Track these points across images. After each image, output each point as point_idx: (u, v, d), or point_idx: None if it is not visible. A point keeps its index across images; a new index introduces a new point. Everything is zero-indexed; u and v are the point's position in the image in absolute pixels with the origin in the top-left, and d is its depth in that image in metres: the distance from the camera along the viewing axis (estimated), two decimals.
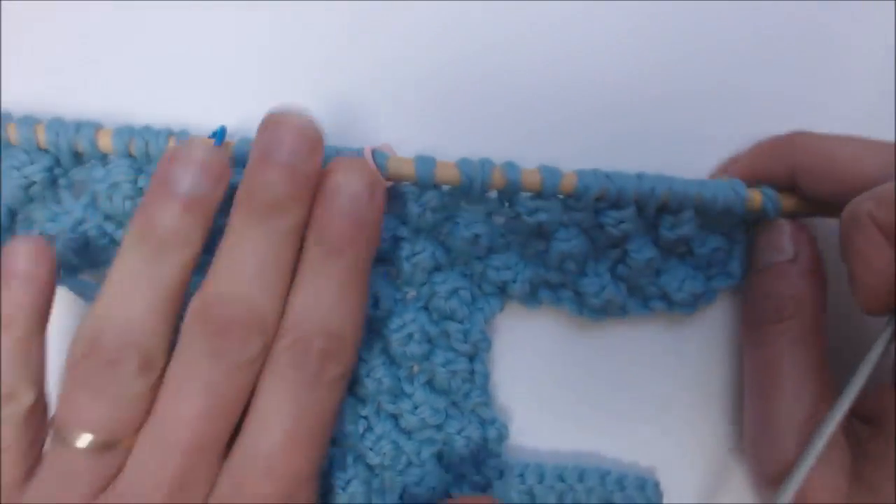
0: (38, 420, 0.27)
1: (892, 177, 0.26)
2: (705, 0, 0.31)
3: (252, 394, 0.26)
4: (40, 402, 0.27)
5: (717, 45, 0.32)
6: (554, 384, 0.33)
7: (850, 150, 0.28)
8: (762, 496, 0.31)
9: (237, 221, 0.25)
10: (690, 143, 0.32)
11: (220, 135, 0.28)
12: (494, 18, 0.31)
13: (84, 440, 0.25)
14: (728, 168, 0.31)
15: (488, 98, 0.31)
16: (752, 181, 0.30)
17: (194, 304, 0.25)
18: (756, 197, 0.29)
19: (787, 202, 0.30)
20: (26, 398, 0.26)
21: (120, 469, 0.26)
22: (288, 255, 0.26)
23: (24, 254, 0.26)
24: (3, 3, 0.30)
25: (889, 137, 0.31)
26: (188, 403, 0.25)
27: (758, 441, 0.31)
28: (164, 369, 0.26)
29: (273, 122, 0.25)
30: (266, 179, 0.25)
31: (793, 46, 0.32)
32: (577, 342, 0.33)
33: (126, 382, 0.25)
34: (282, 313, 0.26)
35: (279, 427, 0.25)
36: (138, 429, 0.26)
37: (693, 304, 0.31)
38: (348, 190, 0.25)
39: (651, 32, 0.31)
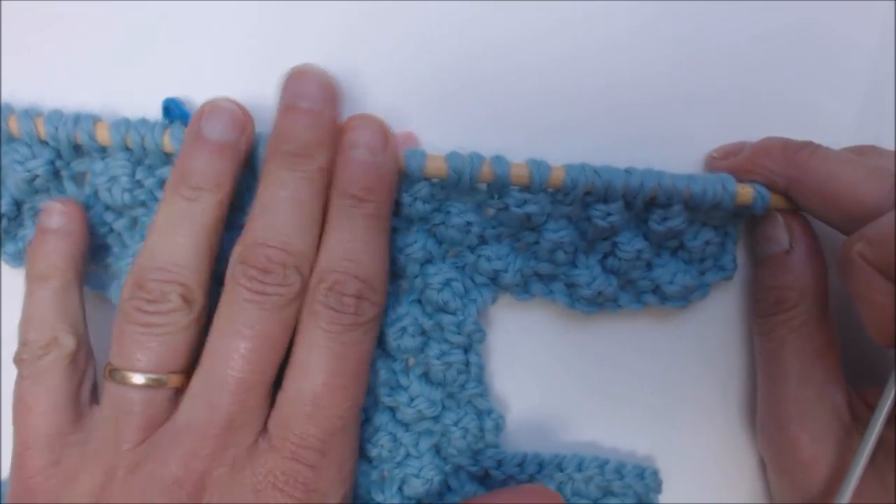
0: (82, 367, 0.29)
1: (888, 208, 0.26)
2: (706, 1, 0.31)
3: (293, 338, 0.28)
4: (82, 350, 0.29)
5: (718, 46, 0.32)
6: (551, 374, 0.33)
7: (850, 177, 0.28)
8: (774, 480, 0.32)
9: (270, 169, 0.28)
10: (691, 144, 0.32)
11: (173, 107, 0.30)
12: (498, 18, 0.31)
13: (138, 377, 0.27)
14: (731, 154, 0.31)
15: (492, 97, 0.31)
16: (749, 176, 0.30)
17: (236, 250, 0.27)
18: (747, 192, 0.29)
19: (782, 199, 0.30)
20: (67, 344, 0.28)
21: (172, 409, 0.27)
22: (317, 198, 0.28)
23: (58, 212, 0.29)
24: (2, 2, 0.31)
25: (889, 137, 0.32)
26: (235, 343, 0.27)
27: (767, 426, 0.31)
28: (204, 306, 0.28)
29: (296, 75, 0.28)
30: (293, 125, 0.27)
31: (793, 47, 0.32)
32: (574, 331, 0.33)
33: (170, 317, 0.27)
34: (315, 256, 0.28)
35: (321, 368, 0.27)
36: (186, 366, 0.28)
37: (685, 298, 0.31)
38: (364, 142, 0.27)
39: (652, 33, 0.31)
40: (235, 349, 0.27)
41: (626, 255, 0.30)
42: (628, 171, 0.29)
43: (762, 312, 0.31)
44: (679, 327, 0.33)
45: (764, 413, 0.32)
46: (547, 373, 0.33)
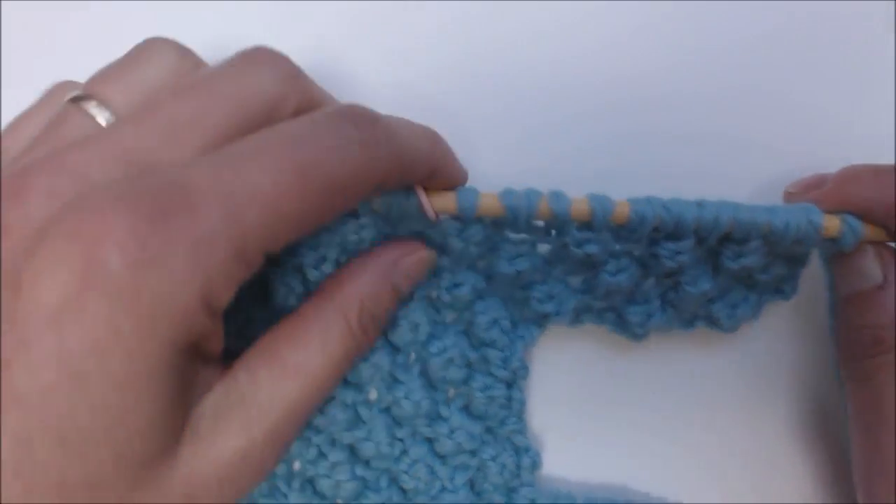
0: None
1: None
2: (707, 0, 0.31)
3: None
4: None
5: (719, 45, 0.32)
6: (586, 412, 0.33)
7: None
8: None
9: None
10: (692, 144, 0.32)
11: None
12: (498, 19, 0.31)
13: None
14: (813, 187, 0.29)
15: (491, 98, 0.31)
16: (838, 207, 0.27)
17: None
18: (833, 224, 0.26)
19: (872, 231, 0.27)
20: None
21: None
22: None
23: None
24: (2, 2, 0.30)
25: (889, 137, 0.32)
26: None
27: (870, 483, 0.28)
28: None
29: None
30: None
31: (793, 47, 0.32)
32: (614, 369, 0.33)
33: None
34: None
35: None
36: None
37: (738, 325, 0.30)
38: None
39: (653, 33, 0.31)
40: None
41: (691, 296, 0.28)
42: (700, 205, 0.26)
43: (856, 355, 0.28)
44: (727, 358, 0.32)
45: (865, 468, 0.28)
46: (581, 411, 0.33)
